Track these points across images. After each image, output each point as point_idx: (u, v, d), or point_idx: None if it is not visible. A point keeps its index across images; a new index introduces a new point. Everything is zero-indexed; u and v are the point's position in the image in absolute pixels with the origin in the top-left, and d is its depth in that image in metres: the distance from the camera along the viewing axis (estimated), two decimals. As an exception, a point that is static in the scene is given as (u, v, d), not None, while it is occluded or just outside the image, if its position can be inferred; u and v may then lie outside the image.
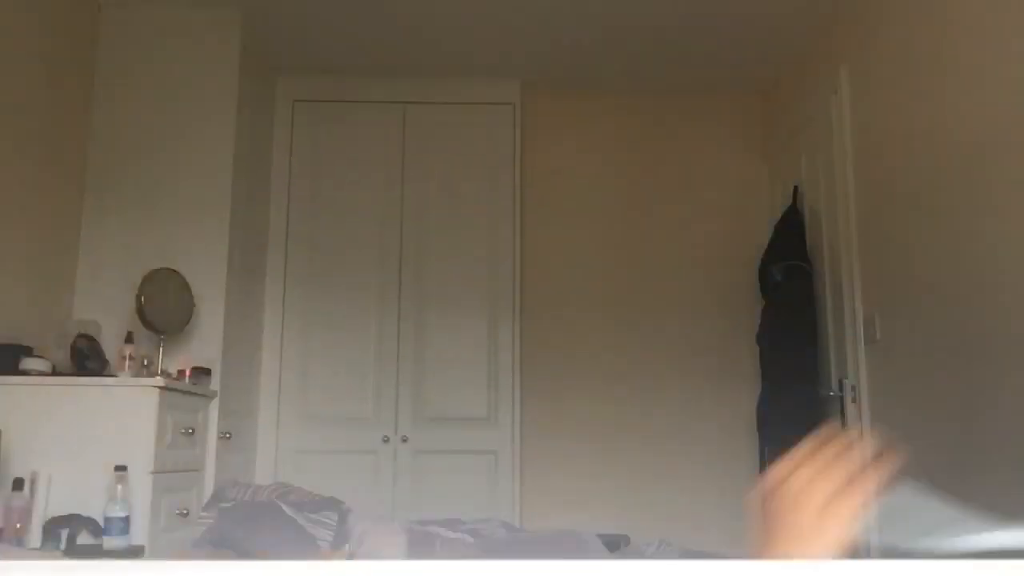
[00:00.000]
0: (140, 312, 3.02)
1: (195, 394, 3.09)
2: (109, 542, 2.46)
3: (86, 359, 2.86)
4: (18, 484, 2.47)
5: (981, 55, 2.45)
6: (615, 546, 3.63)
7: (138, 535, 2.59)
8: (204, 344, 3.33)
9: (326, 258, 4.04)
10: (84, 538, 2.53)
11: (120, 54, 3.49)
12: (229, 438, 3.37)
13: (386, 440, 3.89)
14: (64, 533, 2.52)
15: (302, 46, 3.90)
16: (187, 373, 3.14)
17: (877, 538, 0.74)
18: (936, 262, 2.66)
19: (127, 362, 2.92)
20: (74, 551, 2.47)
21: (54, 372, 2.78)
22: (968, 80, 2.51)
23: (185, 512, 2.91)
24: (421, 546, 1.30)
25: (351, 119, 4.16)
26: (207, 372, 3.24)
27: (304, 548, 1.26)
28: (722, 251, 4.22)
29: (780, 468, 0.70)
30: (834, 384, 3.37)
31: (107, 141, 3.42)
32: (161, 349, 3.12)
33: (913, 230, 2.80)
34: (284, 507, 1.35)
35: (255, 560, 0.80)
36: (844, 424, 3.26)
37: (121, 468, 2.54)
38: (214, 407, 3.25)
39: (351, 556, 1.27)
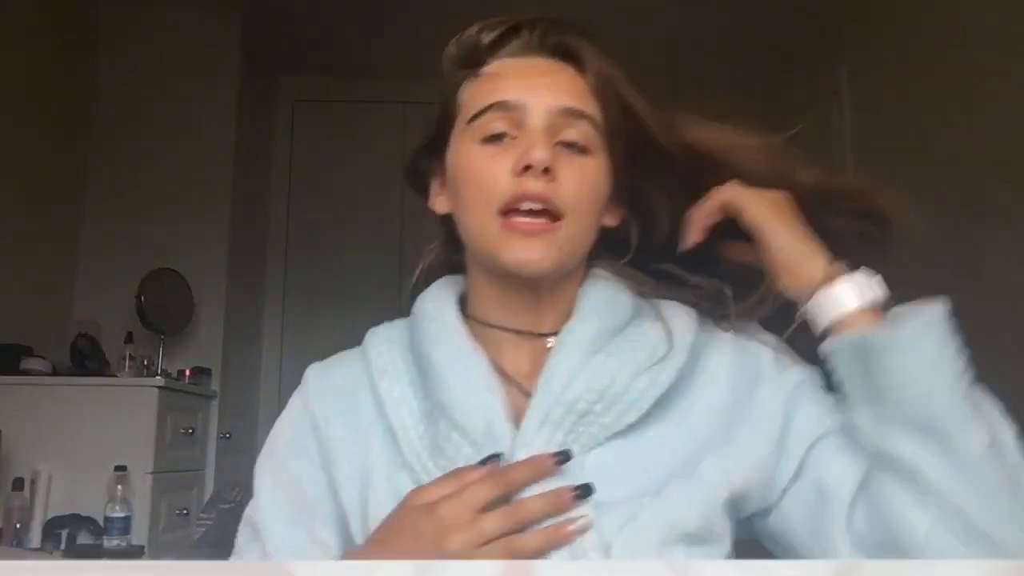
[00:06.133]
0: (140, 312, 3.02)
1: (195, 394, 3.09)
2: (109, 542, 2.46)
3: (86, 359, 2.86)
4: (18, 484, 2.47)
5: (981, 56, 2.45)
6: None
7: (138, 535, 2.59)
8: (204, 344, 3.33)
9: (326, 258, 4.04)
10: (84, 538, 2.53)
11: (120, 54, 3.49)
12: (229, 438, 3.37)
13: (386, 440, 3.89)
14: (64, 533, 2.52)
15: (302, 46, 3.90)
16: (187, 373, 3.14)
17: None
18: (936, 263, 2.66)
19: (127, 362, 2.92)
20: (74, 551, 2.47)
21: (54, 372, 2.78)
22: (968, 80, 2.51)
23: (185, 512, 2.91)
24: None
25: (351, 119, 4.16)
26: (207, 372, 3.24)
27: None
28: (722, 251, 4.22)
29: None
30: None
31: (107, 141, 3.42)
32: (161, 349, 3.12)
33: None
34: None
35: (254, 561, 0.79)
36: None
37: (121, 468, 2.54)
38: (214, 407, 3.25)
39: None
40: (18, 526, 2.43)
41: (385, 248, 4.05)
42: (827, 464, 0.76)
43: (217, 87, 3.51)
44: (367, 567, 0.71)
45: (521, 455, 0.73)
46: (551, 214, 0.77)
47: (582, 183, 0.79)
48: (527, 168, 0.76)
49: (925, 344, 0.73)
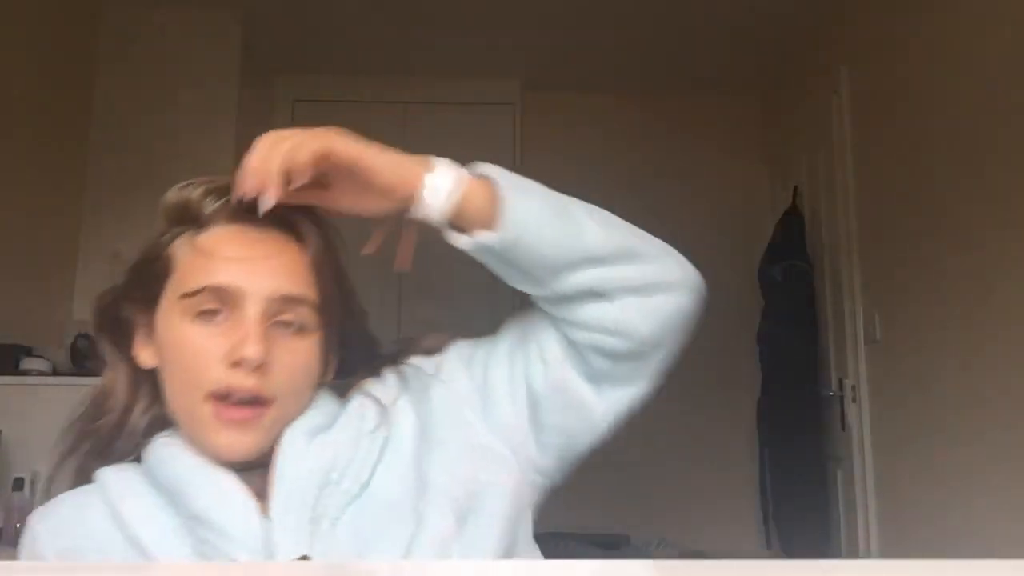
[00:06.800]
0: (140, 312, 3.02)
1: (195, 394, 3.09)
2: (109, 542, 2.46)
3: (86, 359, 2.85)
4: (18, 484, 2.47)
5: (981, 54, 2.45)
6: (615, 546, 3.61)
7: (138, 535, 2.59)
8: (204, 344, 3.33)
9: (326, 258, 4.04)
10: (84, 538, 2.52)
11: (120, 54, 3.49)
12: (229, 438, 3.37)
13: (386, 440, 3.89)
14: (64, 533, 2.52)
15: (302, 46, 3.90)
16: (187, 373, 3.14)
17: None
18: (936, 262, 2.66)
19: (127, 362, 2.91)
20: (74, 551, 2.46)
21: (54, 372, 2.78)
22: (968, 80, 2.51)
23: (185, 512, 2.91)
24: None
25: (351, 119, 4.12)
26: (207, 372, 3.24)
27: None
28: (722, 251, 4.22)
29: None
30: (834, 384, 3.37)
31: (107, 141, 3.42)
32: (161, 349, 3.12)
33: (913, 230, 2.80)
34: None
35: (254, 561, 0.80)
36: (844, 424, 3.26)
37: (121, 468, 2.53)
38: (214, 407, 3.25)
39: None
40: (18, 526, 2.43)
41: (385, 248, 4.05)
42: (528, 362, 0.85)
43: (217, 87, 3.51)
44: (371, 567, 0.71)
45: (279, 539, 0.75)
46: (261, 401, 0.78)
47: (295, 367, 0.81)
48: (239, 362, 0.77)
49: (532, 227, 0.80)
